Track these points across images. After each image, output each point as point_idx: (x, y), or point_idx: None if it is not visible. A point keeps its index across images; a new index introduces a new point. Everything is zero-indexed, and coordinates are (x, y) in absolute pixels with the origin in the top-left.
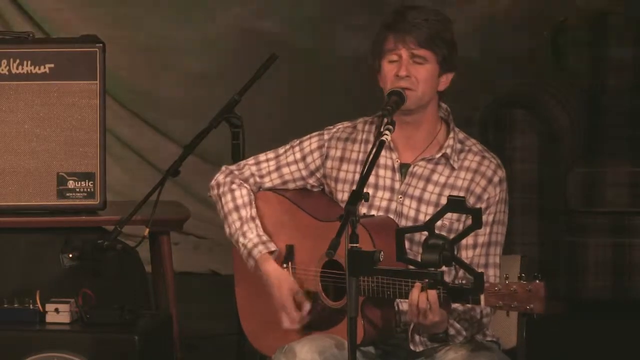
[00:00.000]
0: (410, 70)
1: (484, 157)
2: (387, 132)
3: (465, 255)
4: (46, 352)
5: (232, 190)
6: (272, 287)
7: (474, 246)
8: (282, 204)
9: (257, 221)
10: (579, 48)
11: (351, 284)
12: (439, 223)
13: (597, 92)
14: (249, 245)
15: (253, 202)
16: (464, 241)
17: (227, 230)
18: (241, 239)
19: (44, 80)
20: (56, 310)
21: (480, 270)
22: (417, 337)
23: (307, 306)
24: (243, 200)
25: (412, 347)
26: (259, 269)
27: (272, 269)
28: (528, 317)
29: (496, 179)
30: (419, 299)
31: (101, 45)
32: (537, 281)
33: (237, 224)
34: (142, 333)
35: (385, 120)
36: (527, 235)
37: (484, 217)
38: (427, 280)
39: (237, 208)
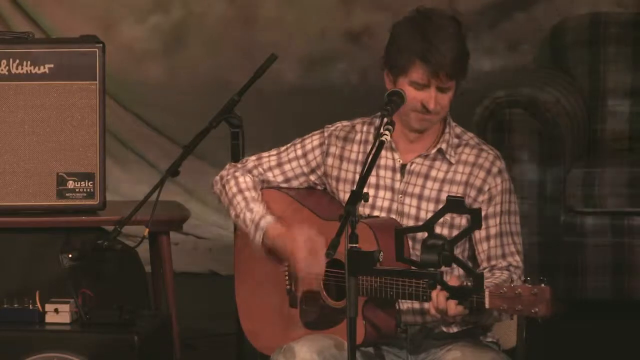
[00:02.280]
0: (438, 100)
1: (481, 149)
2: (386, 132)
3: (481, 248)
4: (46, 352)
5: (235, 177)
6: (281, 244)
7: (487, 238)
8: (286, 201)
9: (263, 203)
10: (579, 48)
11: (350, 284)
12: (440, 219)
13: (597, 92)
14: (257, 217)
15: (257, 188)
16: (476, 235)
17: (232, 213)
18: (248, 215)
19: (43, 81)
20: (56, 310)
21: (499, 261)
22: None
23: (320, 247)
24: (247, 185)
25: (444, 329)
26: (267, 238)
27: (281, 231)
28: (533, 321)
29: (495, 169)
30: (437, 300)
31: (101, 45)
32: (543, 285)
33: (242, 203)
34: (142, 333)
35: (385, 120)
36: (527, 235)
37: (491, 209)
38: (427, 280)
39: (241, 191)
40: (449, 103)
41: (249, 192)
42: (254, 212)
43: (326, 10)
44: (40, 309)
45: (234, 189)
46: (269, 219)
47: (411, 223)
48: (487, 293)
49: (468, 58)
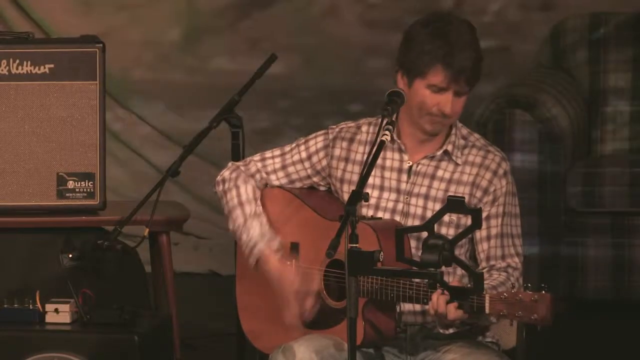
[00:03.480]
0: (453, 105)
1: (488, 151)
2: (386, 132)
3: (481, 248)
4: (46, 352)
5: (237, 187)
6: (274, 284)
7: (488, 238)
8: (289, 201)
9: (262, 217)
10: (579, 48)
11: (351, 285)
12: (446, 219)
13: (597, 92)
14: (251, 243)
15: (258, 199)
16: (477, 235)
17: (230, 226)
18: (244, 236)
19: (43, 81)
20: (56, 310)
21: (498, 261)
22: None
23: (309, 302)
24: (248, 196)
25: (441, 331)
26: (260, 267)
27: (274, 266)
28: (532, 327)
29: (501, 171)
30: (437, 303)
31: (101, 45)
32: (544, 292)
33: (241, 220)
34: (142, 333)
35: (385, 120)
36: (527, 235)
37: (494, 209)
38: (427, 280)
39: (241, 204)
40: (462, 108)
41: (249, 205)
42: (250, 233)
43: None
44: (40, 309)
45: (235, 201)
46: (260, 246)
47: (417, 223)
48: (487, 298)
49: (482, 66)
